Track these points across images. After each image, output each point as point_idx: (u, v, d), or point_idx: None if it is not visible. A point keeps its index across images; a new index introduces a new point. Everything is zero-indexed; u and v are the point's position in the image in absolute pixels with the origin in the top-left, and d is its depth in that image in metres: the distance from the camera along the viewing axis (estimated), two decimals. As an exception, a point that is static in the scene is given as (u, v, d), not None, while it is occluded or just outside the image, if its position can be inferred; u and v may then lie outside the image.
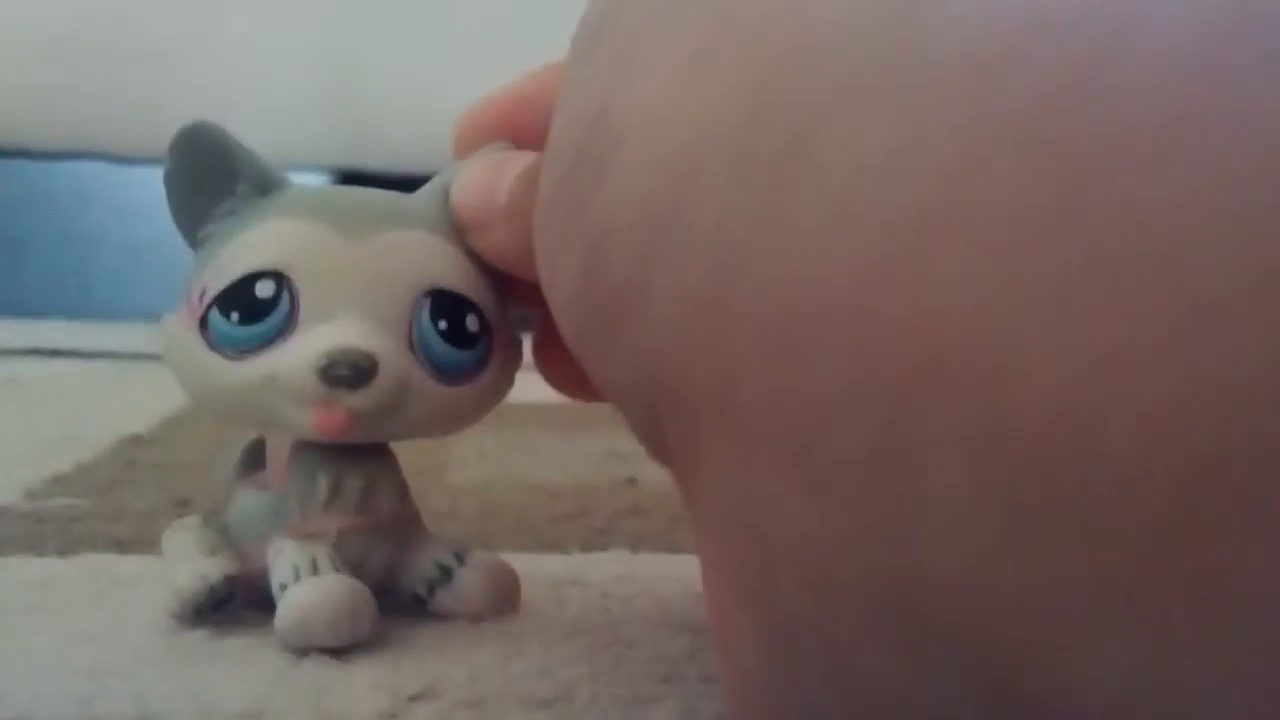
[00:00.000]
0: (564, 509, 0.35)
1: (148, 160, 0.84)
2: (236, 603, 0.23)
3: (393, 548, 0.24)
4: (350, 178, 0.92)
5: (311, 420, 0.22)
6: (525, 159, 0.22)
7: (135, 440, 0.45)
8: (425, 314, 0.23)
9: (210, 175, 0.23)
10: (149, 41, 0.94)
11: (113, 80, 0.93)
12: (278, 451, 0.24)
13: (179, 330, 0.23)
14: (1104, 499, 0.09)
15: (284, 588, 0.22)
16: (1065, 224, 0.09)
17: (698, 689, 0.21)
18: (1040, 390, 0.10)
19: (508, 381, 0.24)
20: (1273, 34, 0.09)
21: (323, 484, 0.23)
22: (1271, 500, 0.09)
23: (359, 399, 0.22)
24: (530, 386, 0.25)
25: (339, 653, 0.22)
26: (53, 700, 0.19)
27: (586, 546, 0.31)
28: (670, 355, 0.13)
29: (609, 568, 0.29)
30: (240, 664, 0.21)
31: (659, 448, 0.16)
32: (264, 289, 0.22)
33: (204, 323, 0.22)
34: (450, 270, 0.23)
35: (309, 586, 0.22)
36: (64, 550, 0.28)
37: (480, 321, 0.23)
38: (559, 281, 0.16)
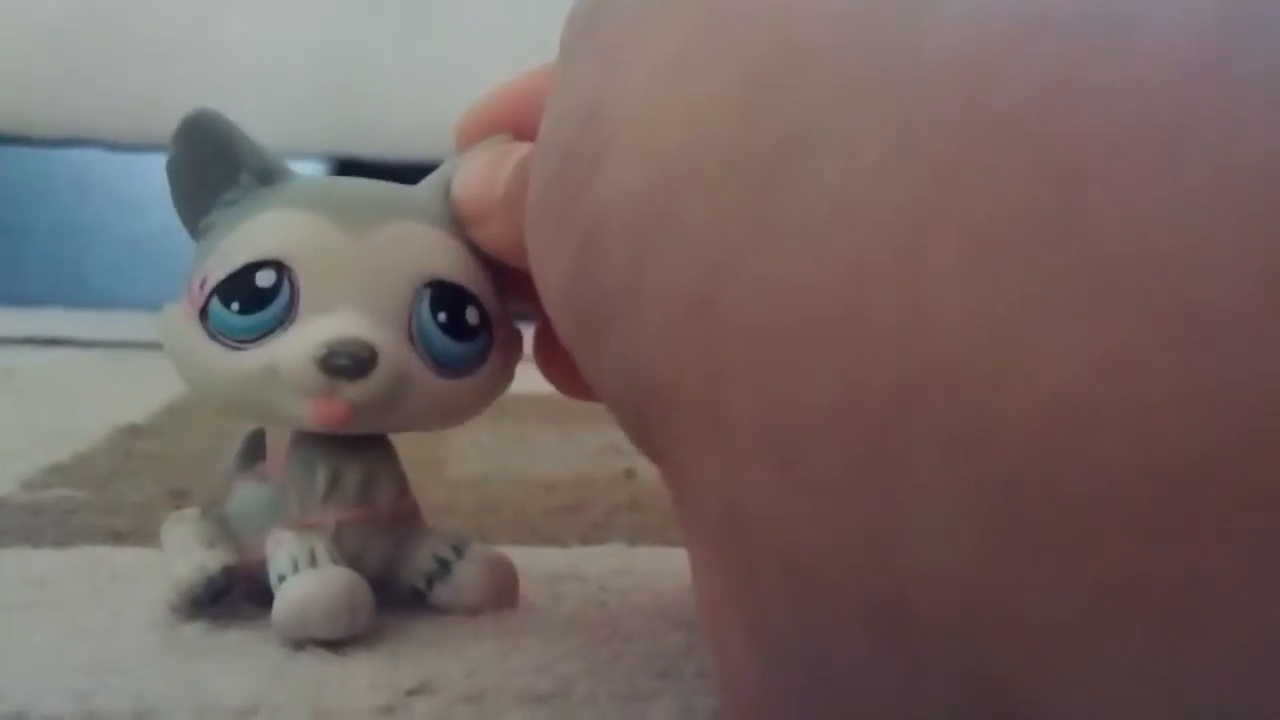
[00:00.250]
0: (562, 502, 0.35)
1: (146, 149, 0.84)
2: (235, 595, 0.23)
3: (391, 541, 0.24)
4: (348, 166, 0.92)
5: (310, 411, 0.22)
6: (524, 151, 0.22)
7: (132, 430, 0.45)
8: (425, 306, 0.22)
9: (213, 165, 0.23)
10: (148, 30, 0.94)
11: (111, 69, 0.93)
12: (278, 444, 0.24)
13: (179, 320, 0.23)
14: (1101, 500, 0.09)
15: (282, 579, 0.22)
16: (1062, 223, 0.09)
17: (695, 684, 0.21)
18: (1037, 391, 0.09)
19: (508, 375, 0.24)
20: (1272, 32, 0.09)
21: (321, 476, 0.23)
22: (1267, 500, 0.09)
23: (358, 390, 0.22)
24: (529, 379, 0.25)
25: (336, 647, 0.22)
26: (50, 696, 0.19)
27: (584, 540, 0.31)
28: (661, 354, 0.13)
29: (607, 562, 0.29)
30: (238, 659, 0.21)
31: (648, 446, 0.16)
32: (264, 279, 0.22)
33: (204, 312, 0.22)
34: (451, 263, 0.23)
35: (307, 578, 0.22)
36: (61, 542, 0.28)
37: (480, 315, 0.23)
38: (550, 278, 0.16)
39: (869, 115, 0.11)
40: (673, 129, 0.13)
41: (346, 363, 0.21)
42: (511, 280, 0.23)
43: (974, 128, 0.10)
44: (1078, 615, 0.10)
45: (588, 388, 0.17)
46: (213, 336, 0.22)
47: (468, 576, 0.24)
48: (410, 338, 0.22)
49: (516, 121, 0.23)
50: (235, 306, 0.22)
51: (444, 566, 0.24)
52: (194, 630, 0.22)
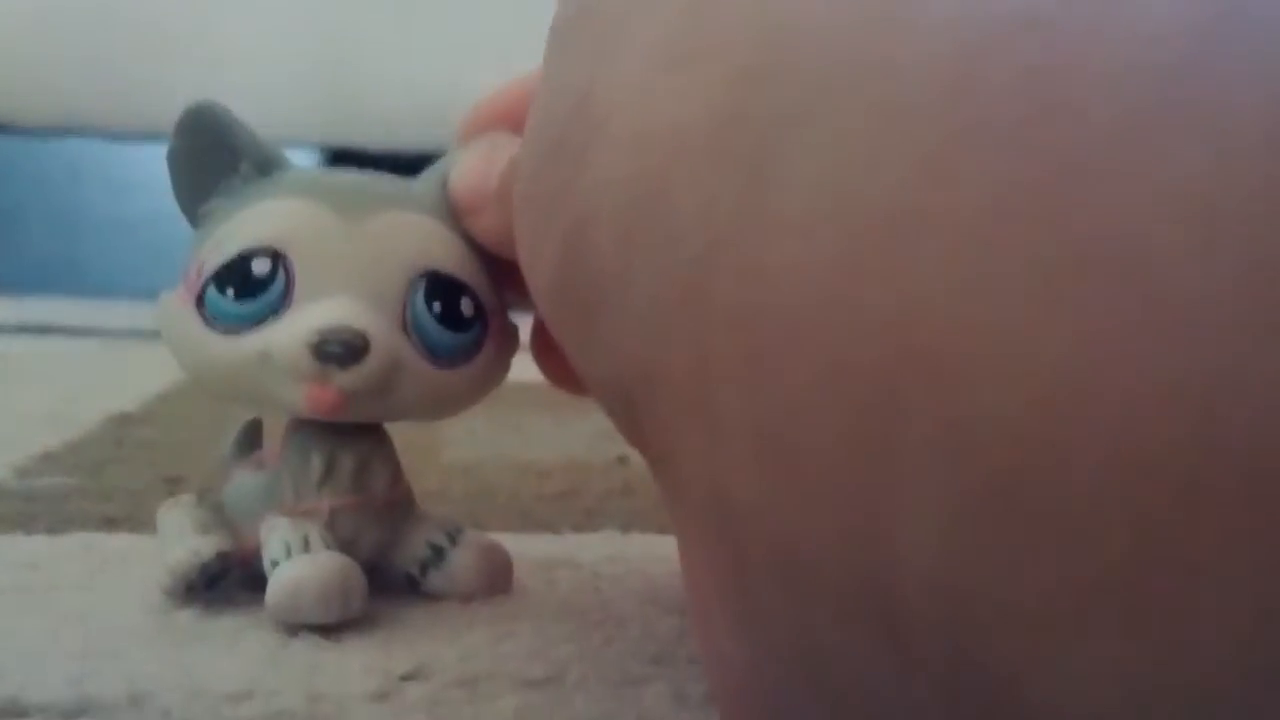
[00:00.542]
0: (555, 488, 0.35)
1: (139, 137, 0.83)
2: (229, 581, 0.23)
3: (385, 527, 0.24)
4: (340, 154, 0.92)
5: (304, 397, 0.22)
6: (519, 144, 0.22)
7: (125, 418, 0.45)
8: (419, 296, 0.22)
9: (213, 154, 0.23)
10: (141, 18, 0.93)
11: (104, 56, 0.92)
12: (274, 431, 0.24)
13: (176, 307, 0.23)
14: (1093, 493, 0.09)
15: (275, 564, 0.22)
16: (1050, 215, 0.09)
17: (687, 670, 0.21)
18: (1025, 382, 0.09)
19: (503, 367, 0.24)
20: (1254, 30, 0.09)
21: (316, 463, 0.23)
22: (1263, 494, 0.09)
23: (350, 377, 0.22)
24: (523, 367, 0.25)
25: (330, 633, 0.22)
26: (44, 681, 0.19)
27: (578, 526, 0.31)
28: (649, 341, 0.13)
29: (600, 548, 0.29)
30: (231, 644, 0.21)
31: (636, 436, 0.16)
32: (260, 266, 0.22)
33: (200, 299, 0.22)
34: (446, 254, 0.23)
35: (300, 563, 0.22)
36: (54, 529, 0.28)
37: (475, 306, 0.23)
38: (539, 266, 0.16)
39: (858, 105, 0.11)
40: (662, 117, 0.13)
41: (339, 349, 0.21)
42: (507, 272, 0.23)
43: (962, 119, 0.10)
44: (1068, 608, 0.10)
45: (582, 381, 0.17)
46: (209, 323, 0.22)
47: (461, 563, 0.24)
48: (404, 327, 0.22)
49: (519, 119, 0.23)
50: (231, 294, 0.22)
51: (438, 553, 0.24)
52: (188, 615, 0.22)
